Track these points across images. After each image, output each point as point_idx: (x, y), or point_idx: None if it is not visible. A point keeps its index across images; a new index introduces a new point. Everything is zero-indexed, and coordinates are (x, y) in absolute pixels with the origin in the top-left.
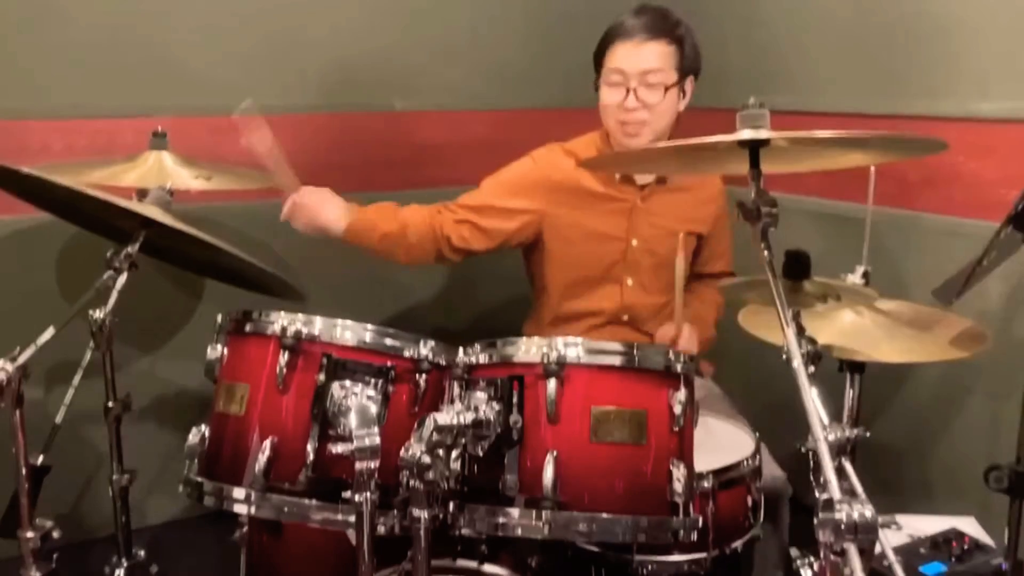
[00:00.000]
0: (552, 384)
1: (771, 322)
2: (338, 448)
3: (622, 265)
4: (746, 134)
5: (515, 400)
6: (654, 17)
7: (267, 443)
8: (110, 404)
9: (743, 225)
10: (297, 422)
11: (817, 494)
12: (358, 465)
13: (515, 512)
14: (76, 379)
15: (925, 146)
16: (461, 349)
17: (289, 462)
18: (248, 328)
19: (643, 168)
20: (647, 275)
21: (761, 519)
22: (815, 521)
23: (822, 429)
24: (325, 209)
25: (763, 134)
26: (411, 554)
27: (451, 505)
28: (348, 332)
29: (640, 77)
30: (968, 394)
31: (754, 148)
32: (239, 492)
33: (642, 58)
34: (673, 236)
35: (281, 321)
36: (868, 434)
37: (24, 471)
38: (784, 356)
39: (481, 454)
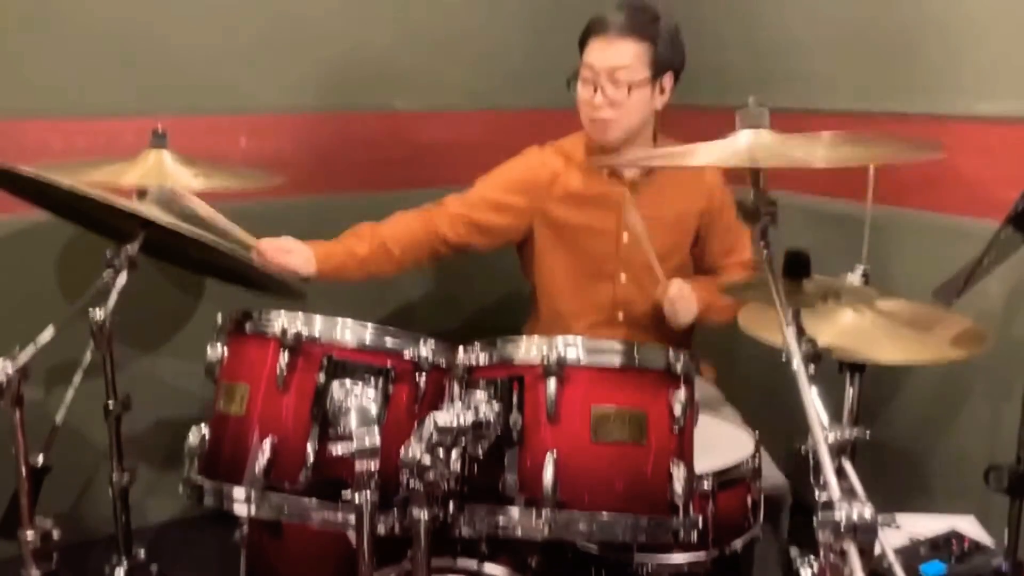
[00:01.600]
0: (552, 384)
1: (771, 322)
2: (338, 448)
3: (615, 261)
4: (744, 134)
5: (515, 400)
6: (630, 13)
7: (267, 443)
8: (110, 404)
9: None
10: (297, 422)
11: (817, 494)
12: (358, 465)
13: (515, 512)
14: (76, 379)
15: (920, 151)
16: (461, 349)
17: (289, 462)
18: (248, 328)
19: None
20: (641, 270)
21: (761, 519)
22: (815, 521)
23: (822, 429)
24: (289, 259)
25: (763, 135)
26: (411, 554)
27: (451, 505)
28: (348, 332)
29: (607, 74)
30: (968, 394)
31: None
32: (239, 492)
33: (610, 55)
34: (665, 229)
35: (281, 321)
36: (868, 434)
37: (24, 471)
38: (784, 356)
39: (481, 454)
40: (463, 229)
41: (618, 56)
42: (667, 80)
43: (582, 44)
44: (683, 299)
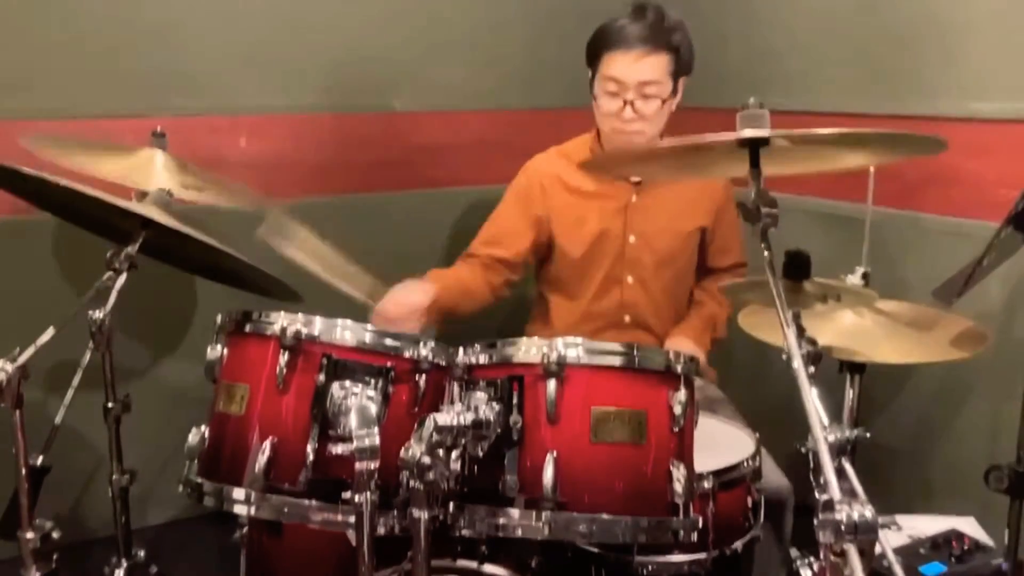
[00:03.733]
0: (552, 384)
1: (771, 323)
2: (338, 448)
3: (621, 263)
4: (746, 133)
5: (515, 400)
6: (652, 24)
7: (267, 443)
8: (110, 404)
9: (744, 225)
10: (297, 422)
11: (817, 495)
12: (358, 465)
13: (515, 512)
14: (76, 379)
15: (925, 145)
16: (461, 349)
17: (289, 462)
18: (248, 328)
19: (641, 171)
20: (648, 272)
21: (761, 519)
22: (815, 522)
23: (822, 429)
24: (411, 302)
25: (763, 133)
26: (411, 554)
27: (451, 505)
28: (348, 332)
29: (637, 89)
30: (968, 394)
31: (754, 148)
32: (239, 492)
33: (640, 71)
34: (672, 231)
35: (281, 321)
36: (868, 434)
37: (24, 471)
38: (784, 357)
39: (481, 454)
40: (500, 268)
41: (648, 71)
42: (681, 83)
43: (598, 53)
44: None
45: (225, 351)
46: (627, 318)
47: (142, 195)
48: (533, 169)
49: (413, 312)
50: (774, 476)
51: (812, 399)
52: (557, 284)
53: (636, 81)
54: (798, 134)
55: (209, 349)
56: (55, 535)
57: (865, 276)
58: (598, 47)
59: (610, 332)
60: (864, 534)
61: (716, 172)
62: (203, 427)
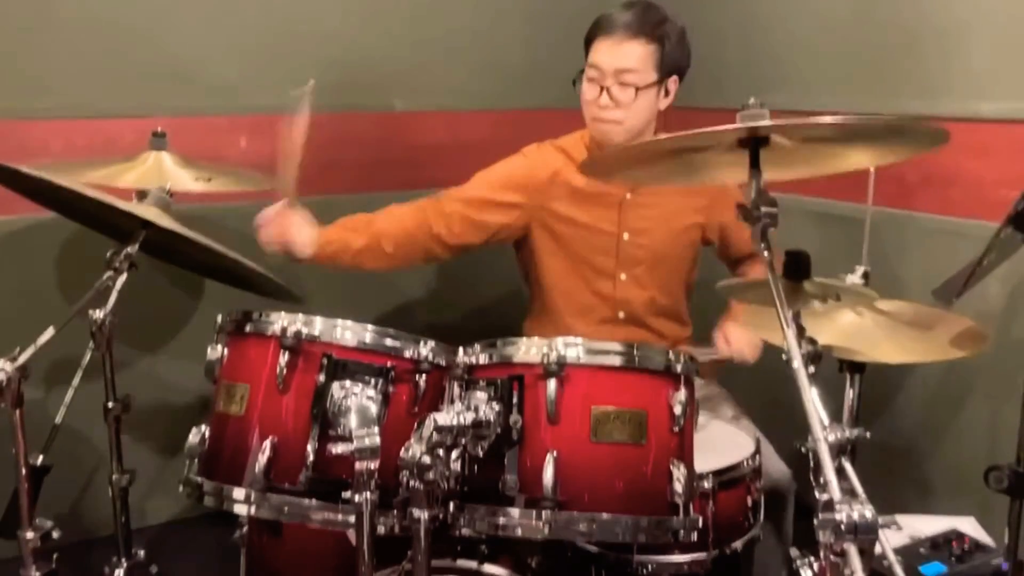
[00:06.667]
0: (552, 384)
1: (771, 322)
2: (338, 448)
3: (615, 260)
4: (745, 123)
5: (515, 400)
6: (638, 14)
7: (267, 443)
8: (110, 404)
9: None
10: (297, 422)
11: (817, 494)
12: (358, 465)
13: (515, 512)
14: (76, 379)
15: (927, 138)
16: (461, 349)
17: (289, 462)
18: (248, 328)
19: (639, 175)
20: (641, 270)
21: (761, 519)
22: (815, 521)
23: (822, 429)
24: (292, 234)
25: (762, 123)
26: (411, 554)
27: (451, 505)
28: (348, 332)
29: (615, 76)
30: (968, 394)
31: (754, 147)
32: (239, 492)
33: (619, 57)
34: (665, 229)
35: (281, 321)
36: (868, 434)
37: (24, 471)
38: (784, 356)
39: (481, 454)
40: (459, 228)
41: (626, 58)
42: (672, 83)
43: (588, 42)
44: (743, 339)
45: (225, 351)
46: (621, 314)
47: (142, 195)
48: (534, 158)
49: (281, 245)
50: (775, 466)
51: (812, 399)
52: (552, 281)
53: (614, 68)
54: (799, 123)
55: (209, 349)
56: (55, 535)
57: (865, 276)
58: (588, 38)
59: (605, 328)
60: (864, 534)
61: (716, 176)
62: (203, 427)
